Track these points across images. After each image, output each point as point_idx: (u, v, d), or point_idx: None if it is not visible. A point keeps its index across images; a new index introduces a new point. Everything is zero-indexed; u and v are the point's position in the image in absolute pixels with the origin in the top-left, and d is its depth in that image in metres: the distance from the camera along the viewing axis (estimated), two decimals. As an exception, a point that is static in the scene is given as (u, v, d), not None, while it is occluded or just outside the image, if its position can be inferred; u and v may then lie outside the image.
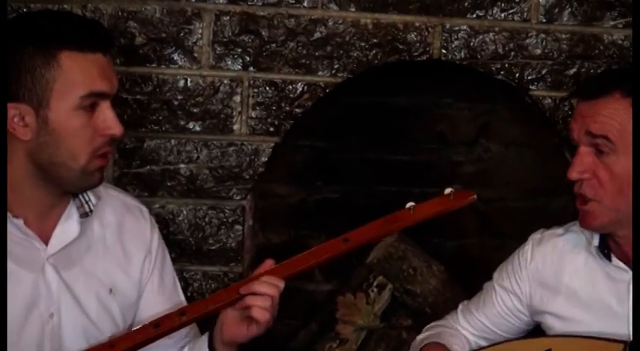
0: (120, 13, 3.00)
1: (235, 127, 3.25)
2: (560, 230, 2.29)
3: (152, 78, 3.01)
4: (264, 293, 1.65)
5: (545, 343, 2.17)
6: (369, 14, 2.99)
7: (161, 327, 1.67)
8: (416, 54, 2.99)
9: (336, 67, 3.05)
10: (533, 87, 2.99)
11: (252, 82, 3.31)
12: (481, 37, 2.98)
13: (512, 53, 2.97)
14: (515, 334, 2.36)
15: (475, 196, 1.91)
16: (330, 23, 3.04)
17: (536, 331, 2.35)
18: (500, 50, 2.97)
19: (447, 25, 2.98)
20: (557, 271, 2.23)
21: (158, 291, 1.93)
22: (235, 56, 3.12)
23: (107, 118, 1.64)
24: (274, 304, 1.68)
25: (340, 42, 3.04)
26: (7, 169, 1.61)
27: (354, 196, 3.43)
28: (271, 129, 3.06)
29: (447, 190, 1.92)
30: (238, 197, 3.18)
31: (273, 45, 3.09)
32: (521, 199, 3.42)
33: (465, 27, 2.98)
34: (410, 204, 1.87)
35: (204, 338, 1.81)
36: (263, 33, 3.08)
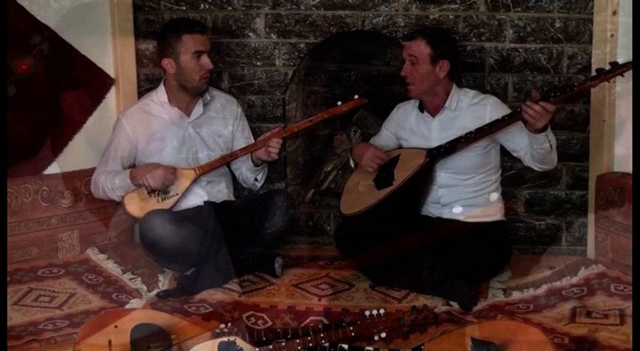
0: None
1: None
2: None
3: (210, 67, 3.12)
4: (275, 145, 3.01)
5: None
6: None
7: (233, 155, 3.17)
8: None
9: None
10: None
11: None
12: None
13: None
14: None
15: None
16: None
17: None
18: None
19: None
20: None
21: (241, 136, 3.26)
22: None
23: (205, 62, 3.06)
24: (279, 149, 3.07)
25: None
26: (168, 86, 3.16)
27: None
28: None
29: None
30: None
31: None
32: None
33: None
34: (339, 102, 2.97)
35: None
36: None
